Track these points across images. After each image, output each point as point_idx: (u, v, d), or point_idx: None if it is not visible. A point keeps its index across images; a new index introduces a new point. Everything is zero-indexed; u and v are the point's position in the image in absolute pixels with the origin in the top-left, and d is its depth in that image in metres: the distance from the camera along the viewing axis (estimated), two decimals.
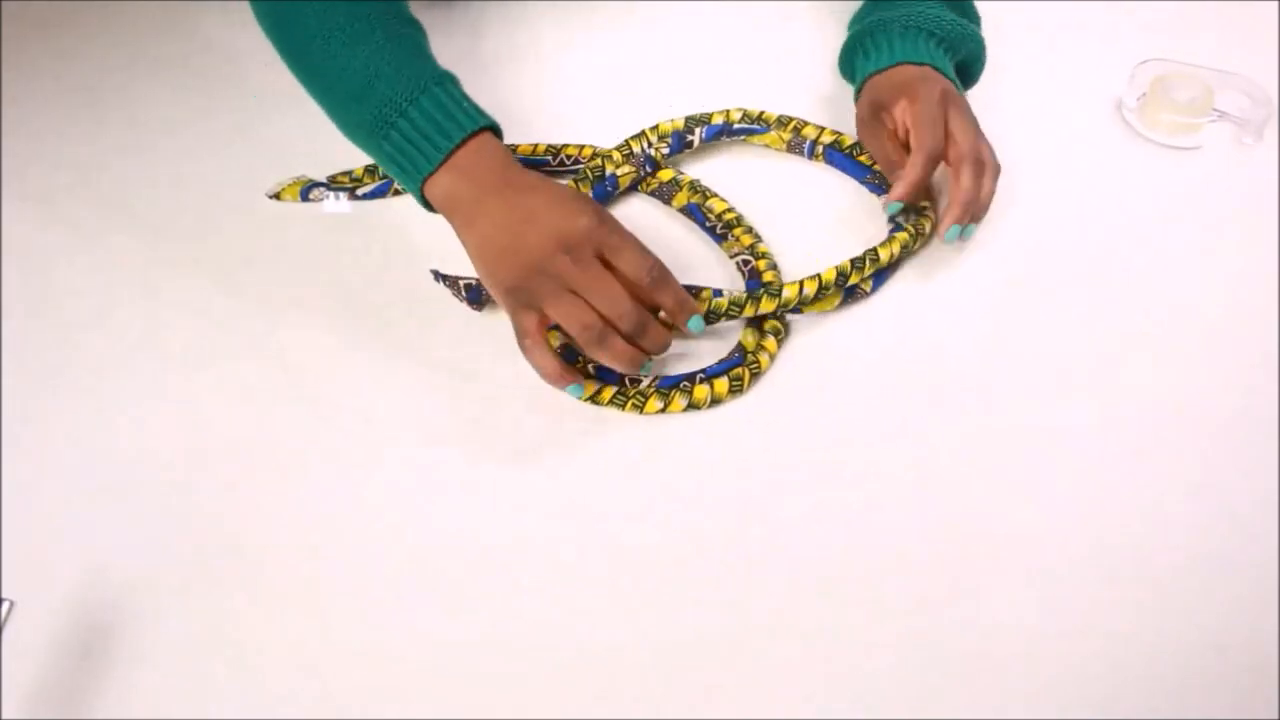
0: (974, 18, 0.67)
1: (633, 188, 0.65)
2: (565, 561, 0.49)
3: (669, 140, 0.66)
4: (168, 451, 0.54)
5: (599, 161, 0.65)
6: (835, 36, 0.73)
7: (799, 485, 0.51)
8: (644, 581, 0.48)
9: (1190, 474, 0.51)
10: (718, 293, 0.57)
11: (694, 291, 0.57)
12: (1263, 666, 0.44)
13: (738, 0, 0.78)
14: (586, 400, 0.54)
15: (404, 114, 0.53)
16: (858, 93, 0.64)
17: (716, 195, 0.63)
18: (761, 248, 0.60)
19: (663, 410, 0.54)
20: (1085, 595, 0.47)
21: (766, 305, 0.56)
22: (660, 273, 0.52)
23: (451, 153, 0.53)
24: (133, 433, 0.55)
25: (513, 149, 0.66)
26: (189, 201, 0.66)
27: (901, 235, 0.59)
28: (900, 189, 0.58)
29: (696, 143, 0.66)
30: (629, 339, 0.51)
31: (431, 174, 0.53)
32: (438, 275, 0.59)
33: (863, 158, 0.65)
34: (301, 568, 0.49)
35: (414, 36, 0.58)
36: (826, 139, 0.66)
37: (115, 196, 0.67)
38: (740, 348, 0.56)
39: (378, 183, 0.66)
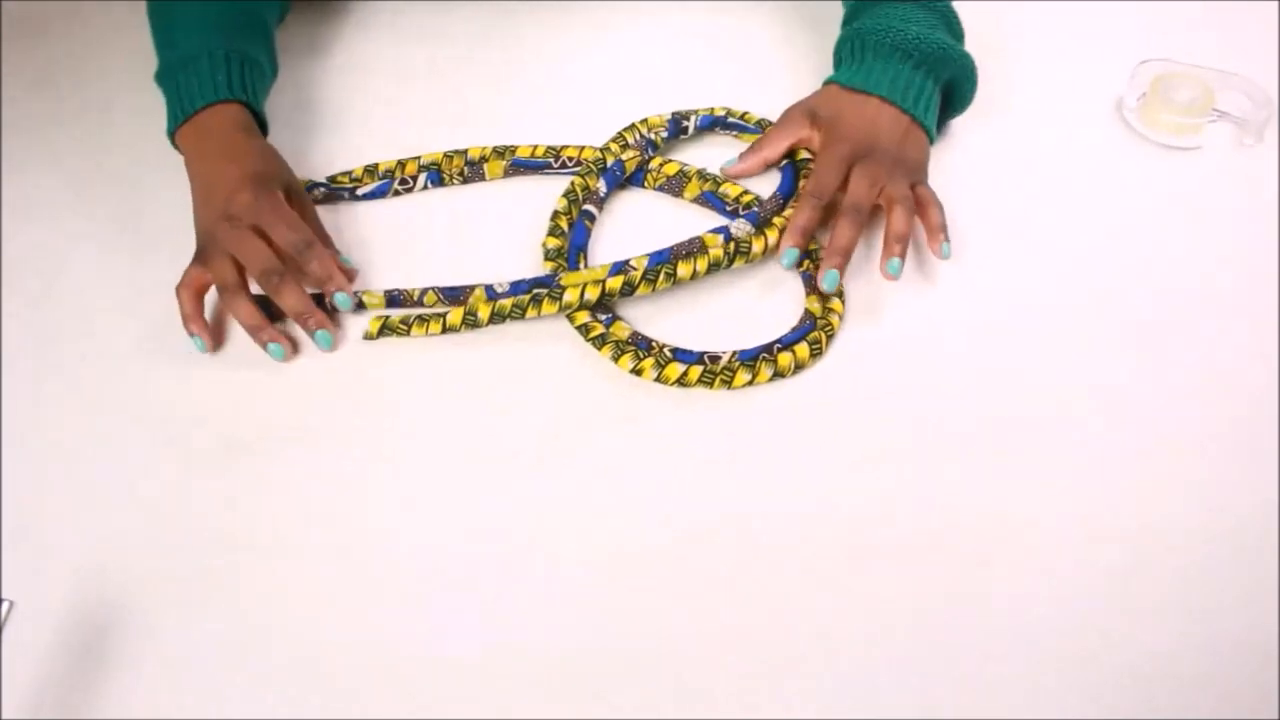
0: (958, 33, 0.66)
1: (639, 179, 0.66)
2: (572, 560, 0.49)
3: (665, 126, 0.67)
4: (168, 450, 0.54)
5: (600, 154, 0.65)
6: (819, 39, 0.72)
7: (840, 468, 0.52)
8: (659, 578, 0.48)
9: (1190, 474, 0.51)
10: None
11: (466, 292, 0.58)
12: (1263, 666, 0.44)
13: (737, 0, 0.78)
14: (674, 384, 0.55)
15: (180, 70, 0.62)
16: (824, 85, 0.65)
17: (728, 180, 0.65)
18: None
19: (750, 382, 0.54)
20: (1085, 595, 0.47)
21: (548, 308, 0.57)
22: (306, 247, 0.57)
23: (195, 113, 0.61)
24: (132, 431, 0.55)
25: (512, 150, 0.67)
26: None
27: (705, 258, 0.58)
28: (790, 238, 0.59)
29: (691, 129, 0.68)
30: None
31: (177, 129, 0.62)
32: None
33: None
34: (302, 566, 0.49)
35: (236, 13, 0.66)
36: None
37: (115, 197, 0.67)
38: (809, 314, 0.57)
39: (377, 183, 0.66)
